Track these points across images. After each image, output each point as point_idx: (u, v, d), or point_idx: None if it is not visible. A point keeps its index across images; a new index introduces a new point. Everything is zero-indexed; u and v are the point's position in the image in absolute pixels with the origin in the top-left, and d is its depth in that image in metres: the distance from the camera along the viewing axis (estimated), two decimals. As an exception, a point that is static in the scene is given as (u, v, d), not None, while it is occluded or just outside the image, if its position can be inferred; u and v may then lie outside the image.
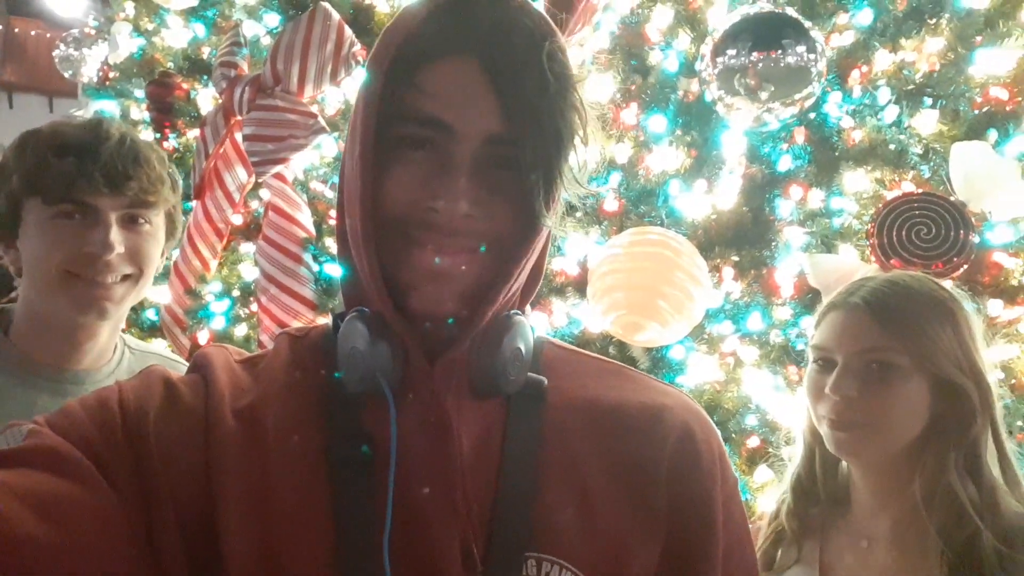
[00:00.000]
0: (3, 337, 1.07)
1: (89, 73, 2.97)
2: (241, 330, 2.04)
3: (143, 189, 1.03)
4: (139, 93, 2.48)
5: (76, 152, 0.99)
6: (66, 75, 3.08)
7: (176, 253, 1.95)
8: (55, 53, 3.09)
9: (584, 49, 1.79)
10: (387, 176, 0.58)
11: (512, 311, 0.63)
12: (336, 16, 1.82)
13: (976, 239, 1.48)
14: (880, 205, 1.54)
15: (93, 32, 3.01)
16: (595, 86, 1.74)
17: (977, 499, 0.91)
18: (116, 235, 1.01)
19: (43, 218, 1.01)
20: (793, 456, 1.14)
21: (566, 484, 0.61)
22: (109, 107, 2.61)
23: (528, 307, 0.67)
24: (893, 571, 0.97)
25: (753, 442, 1.65)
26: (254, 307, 1.93)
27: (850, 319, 0.99)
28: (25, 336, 1.07)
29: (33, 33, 6.84)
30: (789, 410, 1.61)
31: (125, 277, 1.05)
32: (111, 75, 2.71)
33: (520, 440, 0.62)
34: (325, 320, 0.80)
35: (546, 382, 0.65)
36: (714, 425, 0.69)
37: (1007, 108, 1.63)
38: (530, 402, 0.63)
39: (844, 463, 1.07)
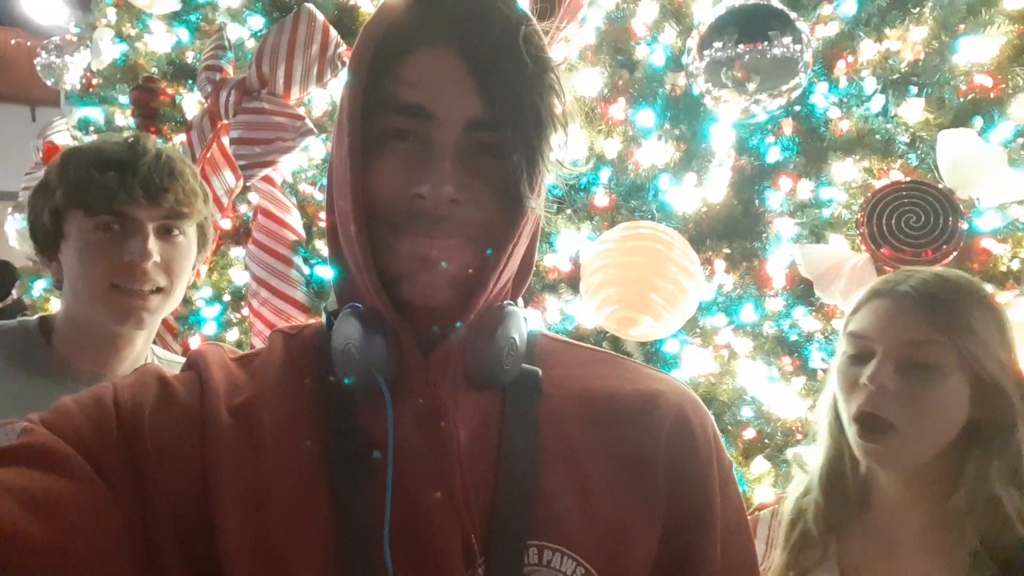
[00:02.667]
0: (45, 344, 1.13)
1: (72, 80, 2.94)
2: (233, 335, 2.03)
3: (178, 201, 1.09)
4: (123, 99, 2.47)
5: (116, 167, 1.06)
6: (48, 83, 3.04)
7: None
8: (37, 61, 3.05)
9: (570, 45, 1.79)
10: (374, 168, 0.58)
11: (505, 302, 0.63)
12: (321, 17, 1.81)
13: (965, 226, 1.49)
14: (869, 194, 1.54)
15: (75, 39, 2.98)
16: (582, 81, 1.74)
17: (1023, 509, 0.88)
18: (153, 244, 1.08)
19: (84, 230, 1.08)
20: (814, 453, 1.06)
21: (565, 472, 0.61)
22: (93, 114, 2.60)
23: (520, 299, 0.67)
24: (921, 575, 0.94)
25: (749, 434, 1.65)
26: (245, 311, 1.92)
27: (897, 308, 0.93)
28: (66, 343, 1.13)
29: (13, 42, 6.78)
30: (786, 401, 1.62)
31: (159, 289, 1.10)
32: (94, 81, 2.69)
33: (517, 430, 0.62)
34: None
35: (541, 373, 0.65)
36: (707, 409, 0.69)
37: (992, 95, 1.64)
38: (526, 392, 0.64)
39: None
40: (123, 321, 1.09)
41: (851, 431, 0.95)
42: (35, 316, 1.19)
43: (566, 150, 0.62)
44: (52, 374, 1.10)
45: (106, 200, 1.05)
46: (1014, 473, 0.90)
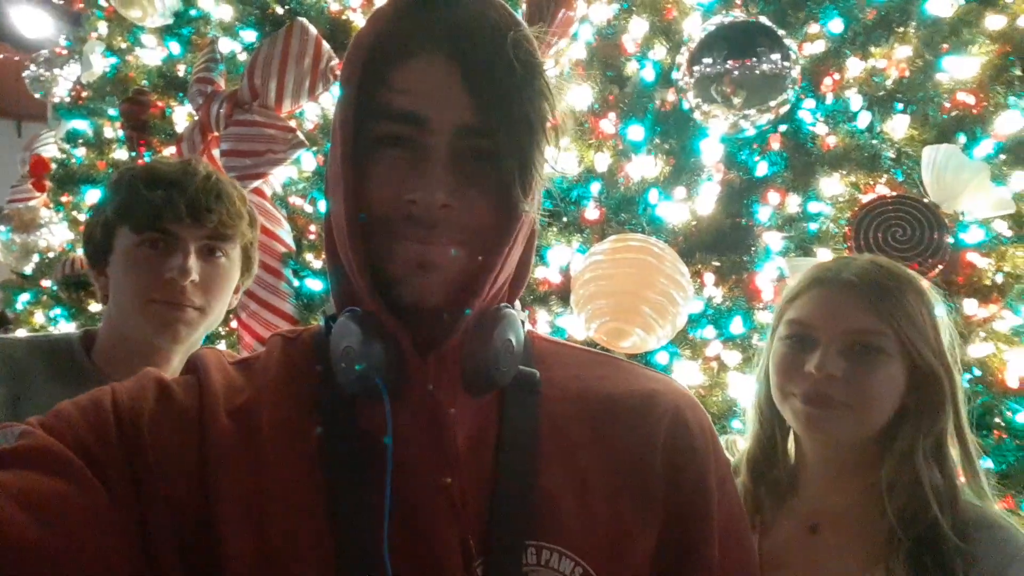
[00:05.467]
0: (86, 358, 1.14)
1: (60, 93, 2.94)
2: (221, 348, 2.01)
3: (222, 222, 1.11)
4: (113, 111, 2.46)
5: (165, 185, 1.08)
6: (36, 95, 3.04)
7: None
8: (25, 74, 3.05)
9: (562, 60, 1.81)
10: (369, 175, 0.59)
11: (502, 304, 0.63)
12: (313, 31, 1.83)
13: (950, 239, 1.51)
14: (856, 208, 1.56)
15: (64, 51, 2.98)
16: (573, 96, 1.75)
17: (940, 487, 0.91)
18: (194, 263, 1.09)
19: (130, 245, 1.10)
20: (743, 436, 1.07)
21: (563, 473, 0.61)
22: (81, 126, 2.59)
23: (517, 302, 0.67)
24: (841, 553, 0.95)
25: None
26: (234, 324, 1.91)
27: (840, 297, 0.96)
28: (106, 357, 1.14)
29: (0, 56, 6.76)
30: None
31: (196, 308, 1.11)
32: (84, 94, 2.68)
33: (516, 431, 0.62)
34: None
35: (539, 374, 0.65)
36: (704, 409, 0.69)
37: (974, 112, 1.67)
38: (524, 394, 0.64)
39: (791, 444, 1.04)
40: (161, 332, 1.10)
41: (791, 403, 0.97)
42: (79, 330, 1.21)
43: (558, 154, 0.62)
44: (90, 387, 1.10)
45: (152, 217, 1.07)
46: (936, 451, 0.94)
